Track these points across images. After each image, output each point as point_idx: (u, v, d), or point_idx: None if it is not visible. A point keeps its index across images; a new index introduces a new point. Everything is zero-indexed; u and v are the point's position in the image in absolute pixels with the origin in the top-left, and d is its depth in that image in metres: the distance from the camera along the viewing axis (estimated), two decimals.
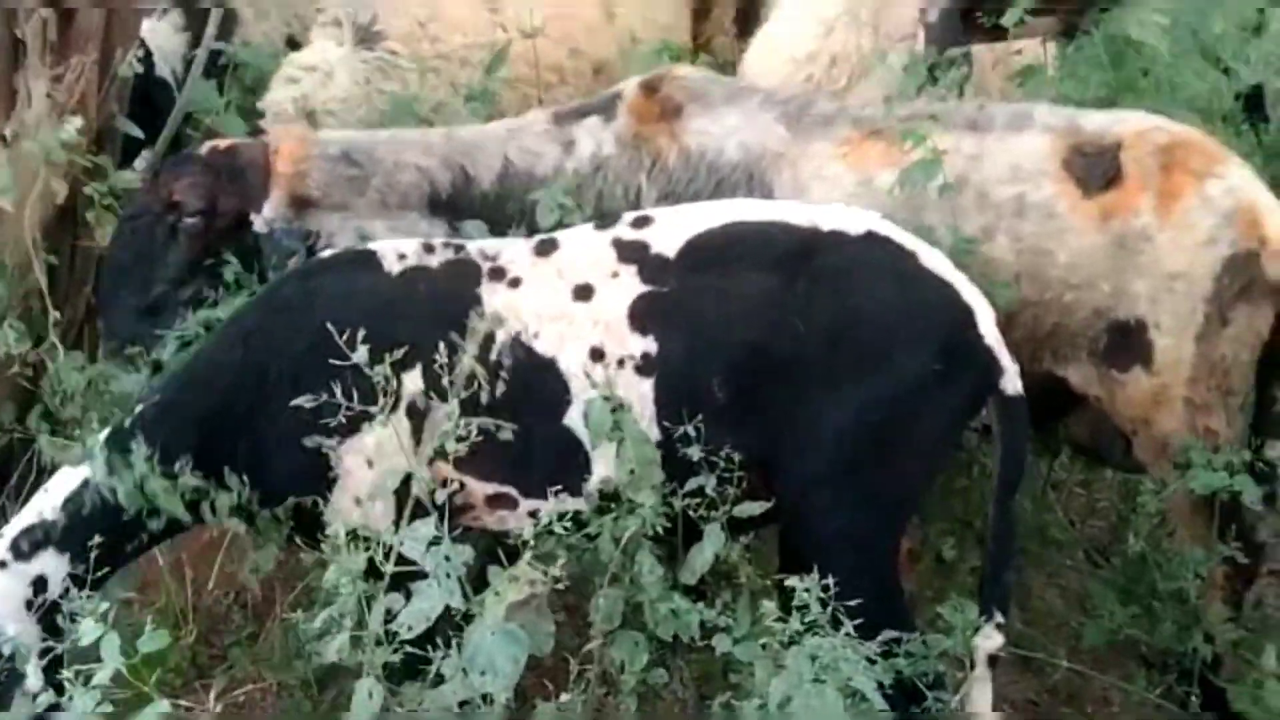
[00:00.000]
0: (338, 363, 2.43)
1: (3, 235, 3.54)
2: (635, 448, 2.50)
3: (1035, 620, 3.50)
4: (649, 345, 2.62)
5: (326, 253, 2.83)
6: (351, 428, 2.55)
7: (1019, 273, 3.01)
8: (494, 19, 4.53)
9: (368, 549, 2.29)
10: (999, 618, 2.56)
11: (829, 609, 2.27)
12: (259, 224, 3.25)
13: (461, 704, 2.12)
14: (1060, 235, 3.00)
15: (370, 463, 2.61)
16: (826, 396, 2.56)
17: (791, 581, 2.15)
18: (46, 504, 2.63)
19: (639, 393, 2.60)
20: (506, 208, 3.32)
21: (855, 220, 2.73)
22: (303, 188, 3.23)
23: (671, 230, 2.74)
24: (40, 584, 2.56)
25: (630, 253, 2.72)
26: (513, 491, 2.67)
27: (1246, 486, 2.86)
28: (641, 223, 2.79)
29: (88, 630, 2.20)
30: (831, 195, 3.08)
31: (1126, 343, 3.00)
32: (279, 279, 2.95)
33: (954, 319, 2.64)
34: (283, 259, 3.21)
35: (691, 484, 2.52)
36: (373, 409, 2.44)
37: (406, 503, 2.48)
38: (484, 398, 2.54)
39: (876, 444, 2.60)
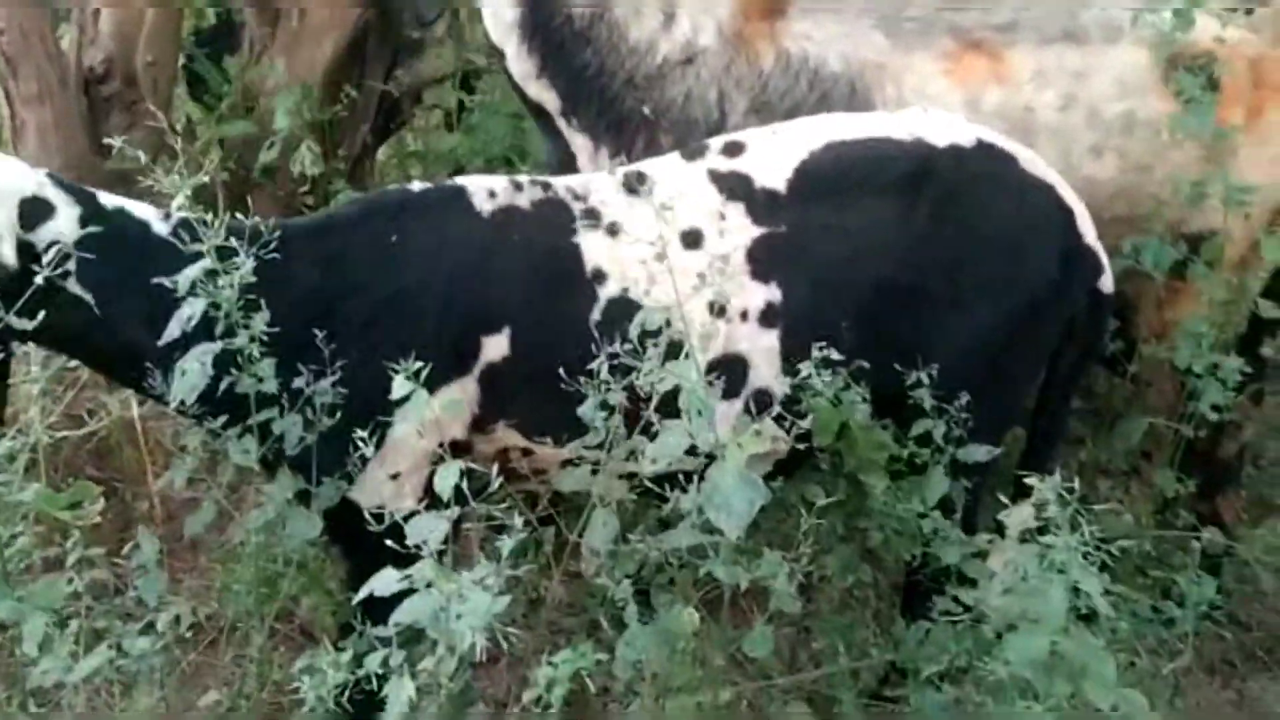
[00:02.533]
0: (415, 323, 2.26)
1: (298, 67, 3.73)
2: (863, 436, 2.33)
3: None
4: (772, 294, 2.40)
5: (416, 186, 2.53)
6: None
7: (1116, 191, 2.95)
8: None
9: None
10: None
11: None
12: None
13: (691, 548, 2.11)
14: (1163, 152, 2.95)
15: (420, 433, 2.29)
16: (955, 321, 2.46)
17: (1031, 480, 2.13)
18: None
19: (764, 345, 2.40)
20: (582, 50, 3.06)
21: (963, 131, 2.58)
22: None
23: (772, 159, 2.50)
24: None
25: (733, 188, 2.47)
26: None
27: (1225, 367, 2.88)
28: (734, 150, 2.54)
29: None
30: None
31: (1192, 253, 2.96)
32: (367, 205, 2.52)
33: (1064, 224, 2.58)
34: None
35: (918, 428, 2.38)
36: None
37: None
38: (580, 361, 2.20)
39: (1007, 360, 2.53)
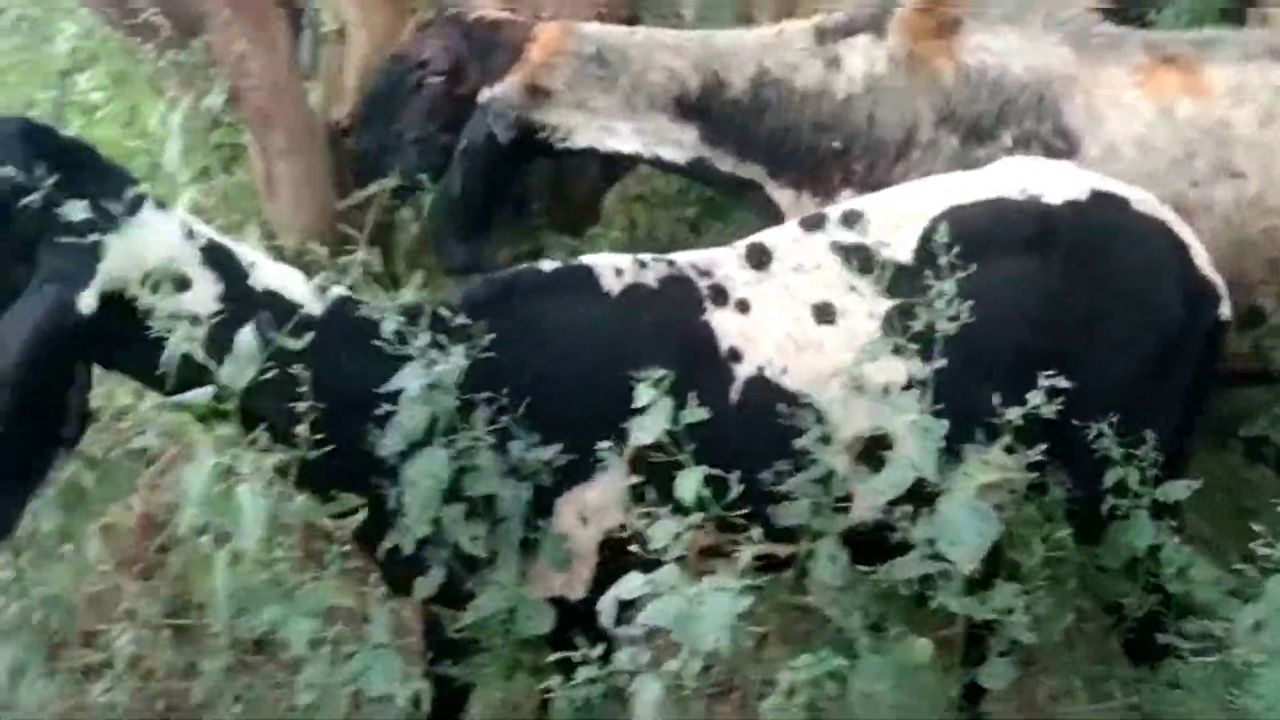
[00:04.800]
0: (560, 407, 2.22)
1: None
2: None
3: None
4: (913, 367, 2.26)
5: (545, 265, 2.49)
6: (571, 480, 2.25)
7: None
8: None
9: None
10: None
11: None
12: (482, 95, 3.22)
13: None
14: None
15: (585, 520, 2.29)
16: (1094, 378, 2.33)
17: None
18: None
19: (909, 420, 2.24)
20: (761, 120, 3.17)
21: (1076, 183, 2.52)
22: (545, 79, 3.16)
23: (893, 227, 2.46)
24: None
25: (859, 260, 2.42)
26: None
27: None
28: (852, 220, 2.49)
29: None
30: (1131, 125, 2.92)
31: None
32: (487, 293, 2.42)
33: (1183, 261, 2.50)
34: (477, 137, 3.17)
35: (1111, 477, 2.29)
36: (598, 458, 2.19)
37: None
38: (720, 445, 2.16)
39: (1146, 407, 2.43)
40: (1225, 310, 2.56)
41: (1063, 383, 2.11)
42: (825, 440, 2.14)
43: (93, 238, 1.97)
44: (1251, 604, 2.04)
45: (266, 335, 2.03)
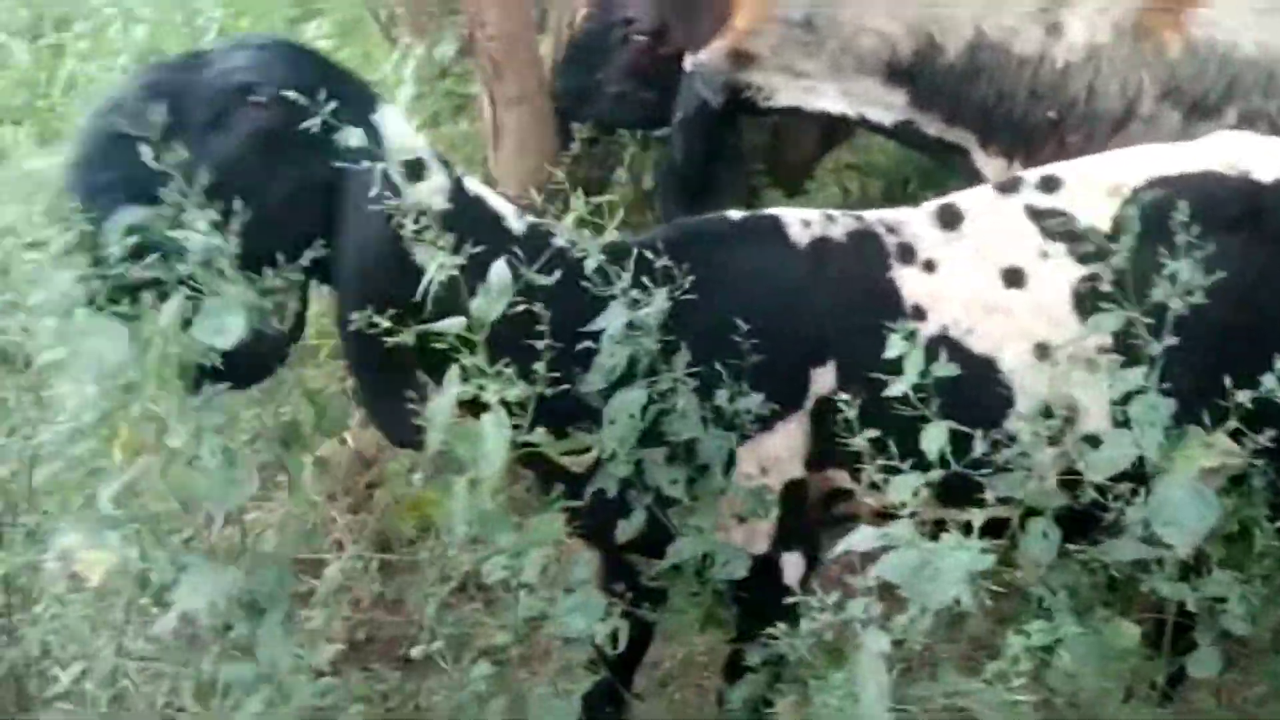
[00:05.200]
0: (744, 352, 2.20)
1: None
2: None
3: None
4: (1103, 337, 2.21)
5: (733, 214, 2.48)
6: (754, 428, 2.24)
7: None
8: None
9: None
10: None
11: None
12: (689, 63, 3.24)
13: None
14: None
15: (765, 470, 2.31)
16: None
17: None
18: None
19: (1094, 391, 2.22)
20: (975, 85, 3.11)
21: None
22: (751, 45, 3.17)
23: (1093, 195, 2.39)
24: None
25: (1054, 225, 2.36)
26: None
27: None
28: (1050, 185, 2.43)
29: None
30: None
31: None
32: (690, 230, 2.50)
33: None
34: (691, 106, 3.20)
35: None
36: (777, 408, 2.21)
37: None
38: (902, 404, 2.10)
39: None
40: None
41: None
42: (1048, 415, 2.10)
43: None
44: None
45: (518, 270, 2.06)
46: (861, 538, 1.87)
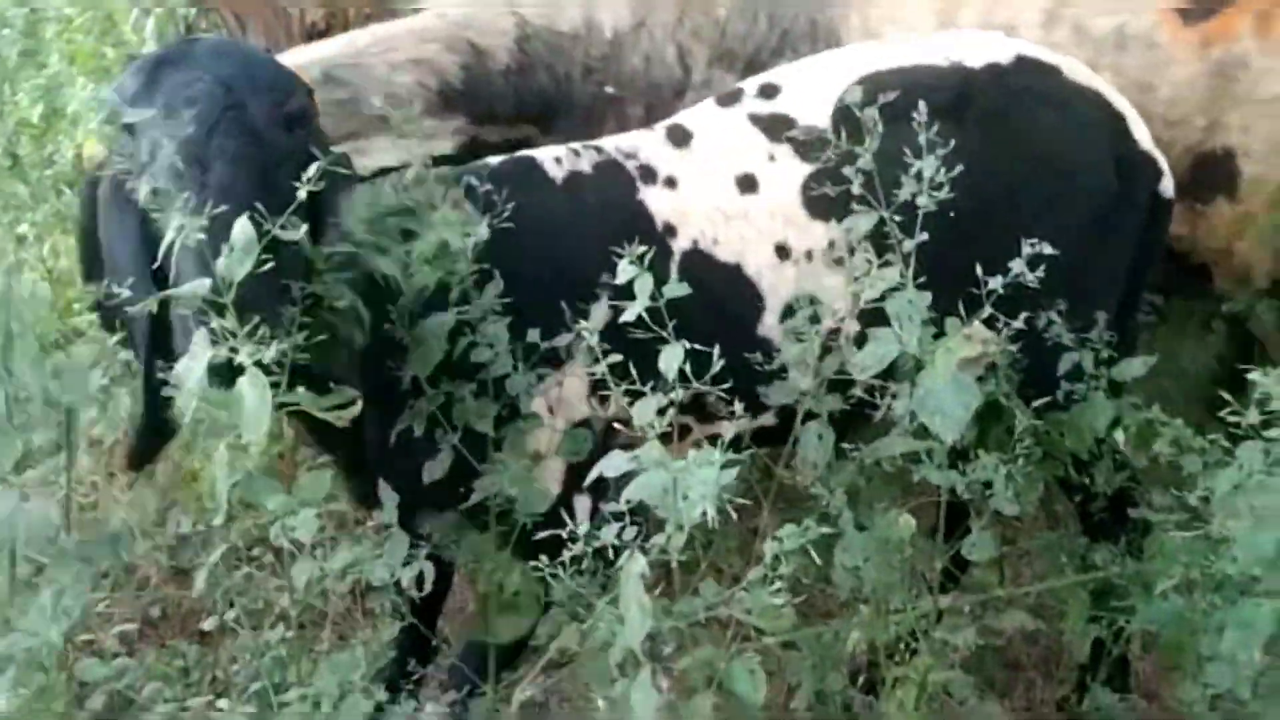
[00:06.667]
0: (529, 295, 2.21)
1: None
2: None
3: None
4: (834, 231, 2.34)
5: (492, 160, 2.45)
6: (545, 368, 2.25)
7: None
8: None
9: None
10: None
11: None
12: None
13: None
14: (1162, 69, 2.77)
15: (552, 410, 2.32)
16: (1016, 244, 2.14)
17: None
18: None
19: (831, 284, 2.36)
20: (533, 78, 2.88)
21: (1001, 48, 2.51)
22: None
23: (809, 96, 2.47)
24: None
25: (777, 129, 2.45)
26: (689, 420, 2.34)
27: None
28: (769, 92, 2.52)
29: None
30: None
31: (1210, 174, 2.81)
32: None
33: (1116, 131, 2.50)
34: None
35: (1067, 361, 2.35)
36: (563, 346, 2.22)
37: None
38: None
39: (1082, 279, 2.42)
40: (1167, 188, 2.54)
41: (1047, 249, 2.06)
42: (815, 320, 2.14)
43: None
44: (1226, 470, 2.07)
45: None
46: (612, 463, 1.87)
